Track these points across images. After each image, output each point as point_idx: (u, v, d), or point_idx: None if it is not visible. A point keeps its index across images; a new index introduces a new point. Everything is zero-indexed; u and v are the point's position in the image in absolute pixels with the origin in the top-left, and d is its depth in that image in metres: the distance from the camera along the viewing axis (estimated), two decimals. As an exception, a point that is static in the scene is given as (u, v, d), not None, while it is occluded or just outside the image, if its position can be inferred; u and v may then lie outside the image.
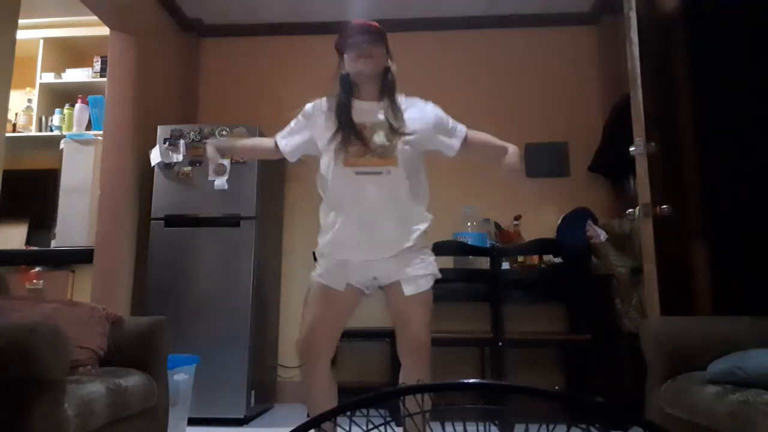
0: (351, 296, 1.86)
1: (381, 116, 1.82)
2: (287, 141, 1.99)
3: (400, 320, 1.84)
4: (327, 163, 1.84)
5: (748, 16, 2.20)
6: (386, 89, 1.87)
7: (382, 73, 1.88)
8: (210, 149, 2.02)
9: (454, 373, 3.47)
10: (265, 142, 2.09)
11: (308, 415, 1.85)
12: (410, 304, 1.80)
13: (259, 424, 3.18)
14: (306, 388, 1.85)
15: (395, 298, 1.83)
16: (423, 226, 1.86)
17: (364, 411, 0.67)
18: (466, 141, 1.95)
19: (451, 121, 1.97)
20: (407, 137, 1.79)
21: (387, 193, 1.78)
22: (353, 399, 0.63)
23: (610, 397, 2.76)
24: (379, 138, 1.79)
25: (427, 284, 1.82)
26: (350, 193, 1.80)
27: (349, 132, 1.80)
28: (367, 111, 1.84)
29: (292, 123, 1.99)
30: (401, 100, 1.90)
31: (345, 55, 1.86)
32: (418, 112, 1.89)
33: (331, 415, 0.64)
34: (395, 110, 1.83)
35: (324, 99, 1.94)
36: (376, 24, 1.86)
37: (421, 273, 1.82)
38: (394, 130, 1.79)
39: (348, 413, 0.64)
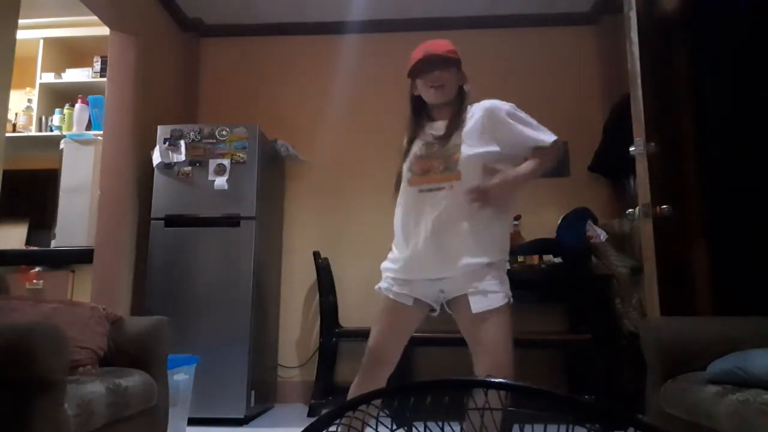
0: (418, 310, 1.79)
1: (446, 132, 1.79)
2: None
3: (471, 339, 1.71)
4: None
5: (749, 15, 2.20)
6: (457, 108, 1.83)
7: (457, 95, 1.86)
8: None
9: (453, 374, 3.47)
10: None
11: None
12: (479, 321, 1.67)
13: (259, 424, 3.18)
14: (357, 391, 1.77)
15: (464, 314, 1.71)
16: (487, 257, 1.72)
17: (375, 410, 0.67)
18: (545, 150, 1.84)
19: (533, 124, 1.85)
20: (471, 150, 1.73)
21: (450, 208, 1.71)
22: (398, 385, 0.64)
23: (609, 398, 2.76)
24: (442, 153, 1.75)
25: (498, 301, 1.69)
26: (413, 211, 1.77)
27: (412, 151, 1.80)
28: (436, 129, 1.83)
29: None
30: (472, 109, 1.83)
31: (417, 81, 1.83)
32: (482, 118, 1.81)
33: (370, 398, 0.64)
34: (457, 123, 1.79)
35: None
36: (449, 47, 1.82)
37: (491, 288, 1.69)
38: (456, 143, 1.74)
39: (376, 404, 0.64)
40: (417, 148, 1.81)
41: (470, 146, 1.74)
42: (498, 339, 1.68)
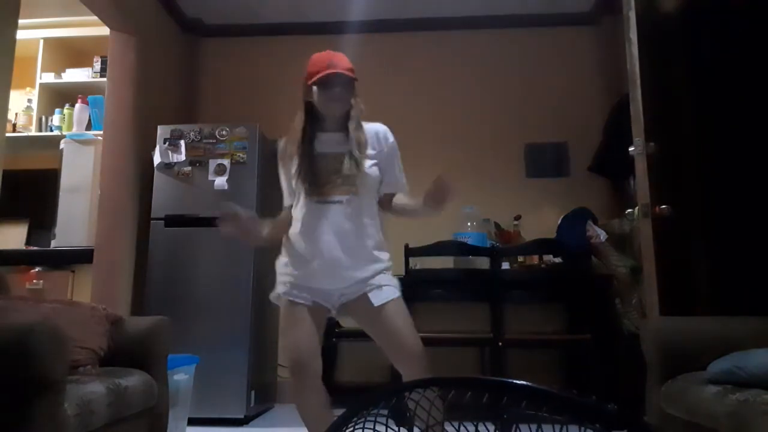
0: (318, 310, 1.85)
1: (343, 147, 1.84)
2: (288, 197, 1.97)
3: (379, 333, 1.83)
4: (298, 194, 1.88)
5: (748, 15, 2.20)
6: (351, 120, 1.88)
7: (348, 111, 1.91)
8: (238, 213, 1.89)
9: (453, 374, 3.47)
10: (280, 217, 2.02)
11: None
12: (381, 314, 1.79)
13: (259, 424, 3.18)
14: (300, 406, 1.84)
15: (365, 312, 1.81)
16: (384, 263, 1.86)
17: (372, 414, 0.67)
18: (390, 200, 1.93)
19: (400, 168, 1.95)
20: (367, 166, 1.83)
21: (346, 221, 1.80)
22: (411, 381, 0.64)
23: (609, 398, 2.76)
24: (340, 167, 1.81)
25: (393, 293, 1.81)
26: (311, 223, 1.82)
27: (309, 163, 1.83)
28: (331, 141, 1.87)
29: (281, 176, 1.99)
30: (367, 128, 1.91)
31: (315, 90, 1.84)
32: (377, 140, 1.90)
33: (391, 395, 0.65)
34: (358, 140, 1.85)
35: (288, 136, 1.95)
36: (349, 64, 1.86)
37: (385, 282, 1.82)
38: (355, 159, 1.81)
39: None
40: (312, 158, 1.85)
41: (369, 165, 1.83)
42: (404, 326, 1.79)
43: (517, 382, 0.62)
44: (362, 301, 1.80)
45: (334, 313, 1.89)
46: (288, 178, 1.93)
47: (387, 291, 1.80)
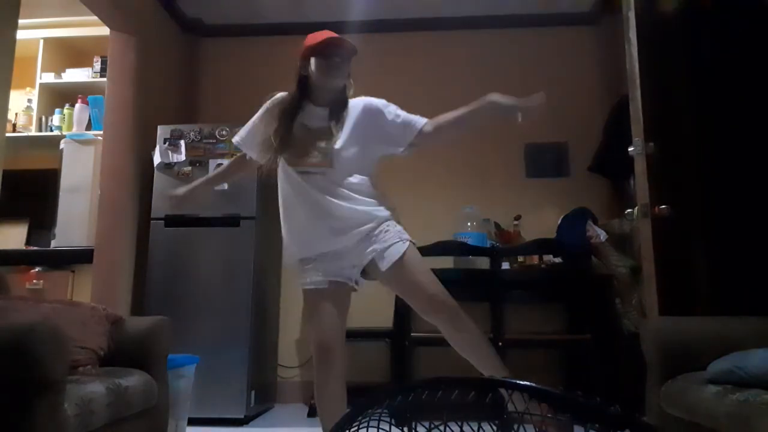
0: (339, 290, 1.86)
1: (325, 122, 1.88)
2: (245, 140, 2.02)
3: (400, 291, 1.89)
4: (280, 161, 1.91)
5: (747, 15, 2.20)
6: (337, 97, 1.92)
7: (343, 86, 1.95)
8: (181, 192, 2.11)
9: (454, 373, 3.47)
10: (234, 161, 2.18)
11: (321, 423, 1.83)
12: (394, 273, 1.81)
13: (259, 424, 3.18)
14: (320, 398, 1.82)
15: (380, 275, 1.84)
16: (381, 214, 1.87)
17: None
18: (426, 132, 1.92)
19: (401, 117, 1.94)
20: (343, 144, 1.85)
21: (326, 192, 1.82)
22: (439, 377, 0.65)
23: (609, 398, 2.76)
24: (319, 142, 1.85)
25: (398, 251, 1.81)
26: (294, 191, 1.86)
27: (289, 133, 1.87)
28: (316, 116, 1.91)
29: (253, 119, 2.03)
30: (351, 103, 1.94)
31: (314, 60, 1.87)
32: (361, 116, 1.92)
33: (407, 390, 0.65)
34: (339, 117, 1.89)
35: (285, 94, 1.99)
36: (350, 42, 1.89)
37: (388, 240, 1.82)
38: (331, 135, 1.85)
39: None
40: (296, 128, 1.88)
41: (345, 143, 1.85)
42: (419, 279, 1.83)
43: (521, 382, 0.62)
44: (374, 266, 1.84)
45: (356, 286, 1.90)
46: (259, 131, 1.97)
47: (391, 251, 1.81)
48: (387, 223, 1.87)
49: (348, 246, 1.83)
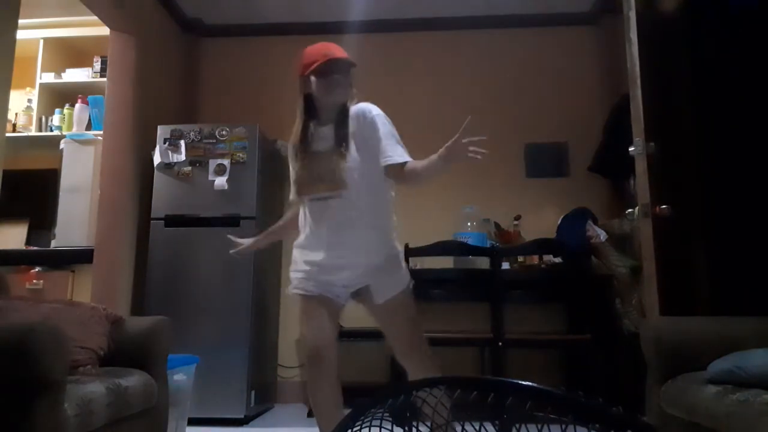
0: (330, 300, 1.86)
1: (331, 141, 1.84)
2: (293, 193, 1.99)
3: (382, 325, 1.88)
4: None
5: (748, 15, 2.20)
6: (341, 112, 1.86)
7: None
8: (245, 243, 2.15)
9: (452, 374, 3.47)
10: (286, 215, 2.15)
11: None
12: (384, 309, 1.83)
13: (259, 424, 3.18)
14: (314, 399, 1.82)
15: (369, 304, 1.86)
16: (389, 250, 1.87)
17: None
18: (400, 171, 1.78)
19: (388, 138, 1.81)
20: (351, 159, 1.79)
21: (341, 218, 1.81)
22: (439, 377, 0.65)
23: (609, 398, 2.76)
24: (328, 164, 1.81)
25: (396, 289, 1.83)
26: (311, 220, 1.86)
27: (303, 163, 1.86)
28: (323, 137, 1.87)
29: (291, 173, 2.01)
30: (352, 113, 1.86)
31: (314, 80, 1.83)
32: (357, 122, 1.84)
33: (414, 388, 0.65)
34: (344, 135, 1.82)
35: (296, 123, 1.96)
36: (344, 52, 1.87)
37: (391, 276, 1.84)
38: (338, 156, 1.80)
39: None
40: (307, 154, 1.86)
41: (353, 159, 1.79)
42: (404, 323, 1.84)
43: (522, 382, 0.62)
44: (366, 293, 1.84)
45: (344, 305, 1.89)
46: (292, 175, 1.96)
47: (390, 286, 1.82)
48: (395, 258, 1.88)
49: (354, 273, 1.83)
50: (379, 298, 1.82)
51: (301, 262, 1.89)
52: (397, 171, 1.78)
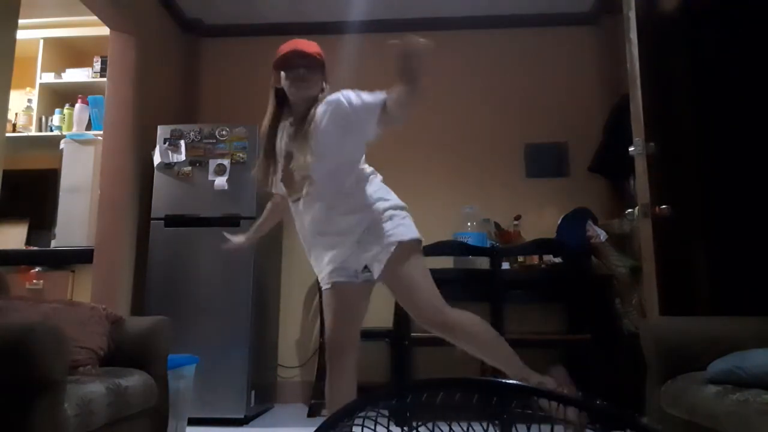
0: (351, 288, 1.88)
1: (296, 140, 1.82)
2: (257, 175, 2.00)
3: (392, 292, 1.87)
4: None
5: (748, 15, 2.20)
6: (306, 109, 1.84)
7: (315, 97, 1.86)
8: (238, 240, 2.18)
9: (453, 373, 3.47)
10: (269, 207, 2.20)
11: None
12: (388, 282, 1.81)
13: (259, 424, 3.18)
14: (329, 393, 1.86)
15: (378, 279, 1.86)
16: (373, 211, 1.83)
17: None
18: (389, 108, 1.73)
19: (362, 99, 1.77)
20: (317, 153, 1.77)
21: (318, 209, 1.83)
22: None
23: (609, 398, 2.76)
24: (295, 162, 1.80)
25: (387, 253, 1.77)
26: (297, 217, 1.92)
27: (269, 161, 1.89)
28: (290, 135, 1.86)
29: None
30: (321, 106, 1.82)
31: (282, 73, 1.84)
32: (325, 116, 1.80)
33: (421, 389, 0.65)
34: (303, 131, 1.80)
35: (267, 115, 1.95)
36: (317, 49, 1.86)
37: (380, 247, 1.79)
38: (303, 155, 1.78)
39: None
40: (278, 151, 1.89)
41: (318, 153, 1.77)
42: (409, 289, 1.80)
43: (523, 383, 0.62)
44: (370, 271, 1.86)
45: (359, 280, 1.89)
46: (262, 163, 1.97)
47: (380, 256, 1.78)
48: (384, 215, 1.82)
49: (347, 253, 1.84)
50: (376, 274, 1.81)
51: (312, 262, 1.95)
52: (385, 115, 1.74)
